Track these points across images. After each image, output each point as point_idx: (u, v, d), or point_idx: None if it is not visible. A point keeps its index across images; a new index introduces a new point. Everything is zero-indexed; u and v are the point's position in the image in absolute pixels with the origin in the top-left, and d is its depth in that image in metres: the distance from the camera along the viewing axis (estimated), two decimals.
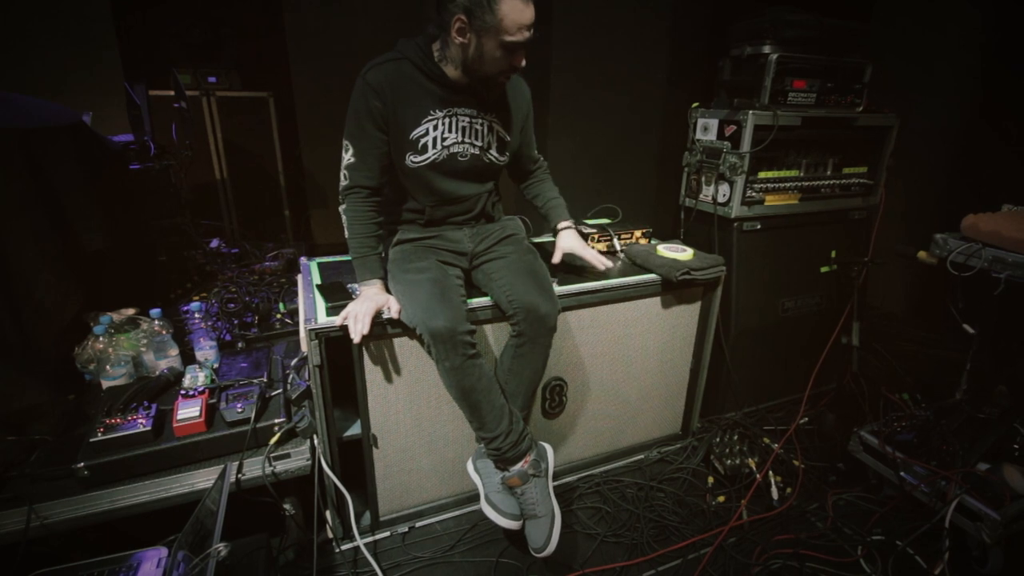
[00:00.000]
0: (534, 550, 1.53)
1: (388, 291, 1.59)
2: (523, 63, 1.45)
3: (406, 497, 1.79)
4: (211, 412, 1.54)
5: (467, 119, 1.56)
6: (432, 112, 1.52)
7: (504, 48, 1.38)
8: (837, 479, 2.06)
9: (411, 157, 1.54)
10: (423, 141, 1.53)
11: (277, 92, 3.60)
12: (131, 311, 1.92)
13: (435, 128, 1.53)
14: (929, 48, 2.81)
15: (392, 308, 1.52)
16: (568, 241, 1.84)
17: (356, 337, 1.45)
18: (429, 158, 1.55)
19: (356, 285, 1.62)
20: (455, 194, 1.64)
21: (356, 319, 1.46)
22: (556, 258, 1.84)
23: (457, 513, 1.86)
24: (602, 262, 1.82)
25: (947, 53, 2.77)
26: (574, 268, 1.91)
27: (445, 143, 1.55)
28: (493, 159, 1.65)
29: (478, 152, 1.61)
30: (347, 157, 1.54)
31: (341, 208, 1.58)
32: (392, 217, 1.69)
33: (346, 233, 1.58)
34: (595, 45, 2.61)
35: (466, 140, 1.58)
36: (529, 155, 1.84)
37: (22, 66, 2.68)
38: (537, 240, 2.30)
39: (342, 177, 1.56)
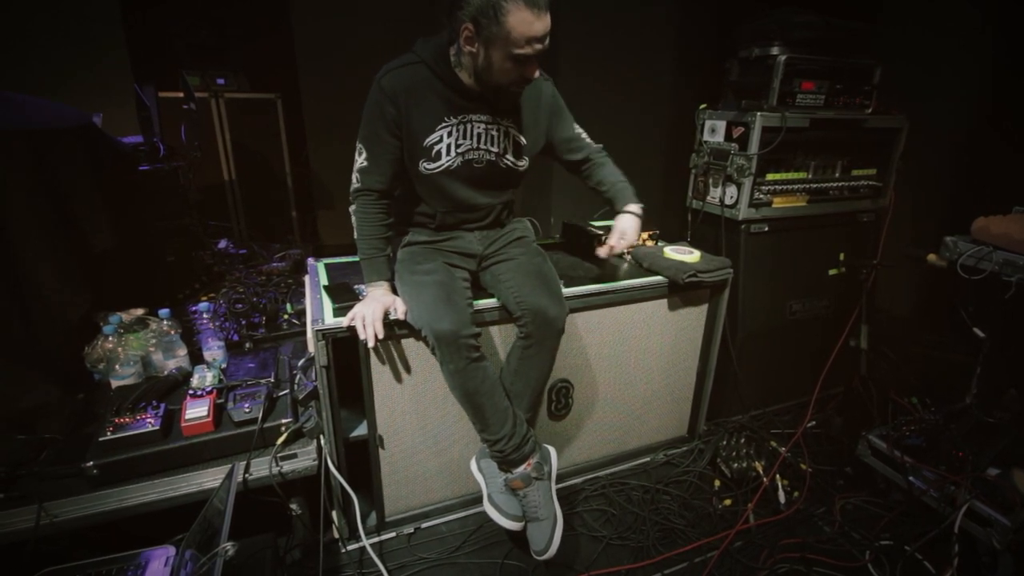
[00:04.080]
0: (535, 552, 1.53)
1: (394, 292, 1.59)
2: (536, 74, 1.41)
3: (412, 498, 1.80)
4: (219, 412, 1.55)
5: (482, 125, 1.54)
6: (446, 119, 1.49)
7: (513, 60, 1.34)
8: (845, 483, 2.04)
9: (424, 164, 1.53)
10: (437, 148, 1.51)
11: (285, 93, 3.62)
12: (140, 311, 1.93)
13: (449, 135, 1.51)
14: (935, 50, 2.79)
15: (398, 309, 1.52)
16: (622, 224, 1.74)
17: (370, 342, 1.46)
18: (443, 165, 1.53)
19: (363, 286, 1.62)
20: (469, 202, 1.63)
21: (366, 323, 1.46)
22: (602, 253, 1.77)
23: (463, 514, 1.86)
24: (608, 247, 1.74)
25: (953, 55, 2.75)
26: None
27: (459, 150, 1.53)
28: (510, 164, 1.62)
29: (494, 158, 1.59)
30: (360, 160, 1.53)
31: (351, 209, 1.58)
32: (403, 219, 1.69)
33: (355, 234, 1.58)
34: (602, 46, 2.61)
35: (481, 146, 1.55)
36: (571, 147, 1.76)
37: (33, 68, 2.71)
38: (545, 242, 2.30)
39: (354, 180, 1.55)
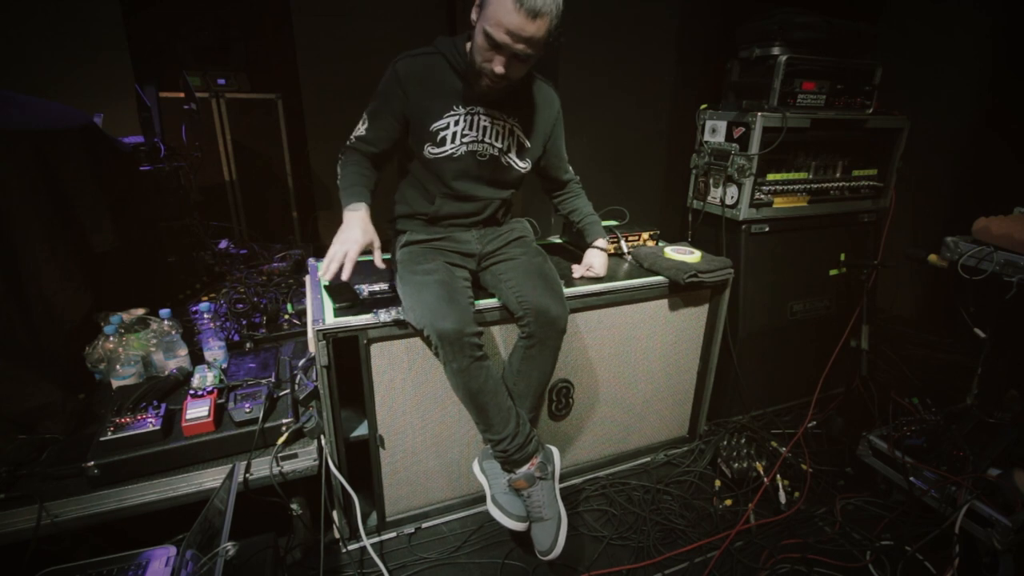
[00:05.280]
0: (540, 553, 1.53)
1: (373, 227, 1.50)
2: (500, 70, 1.38)
3: (412, 498, 1.80)
4: (219, 412, 1.55)
5: (488, 119, 1.58)
6: (454, 108, 1.55)
7: (485, 38, 1.35)
8: (845, 483, 2.04)
9: (430, 148, 1.57)
10: (443, 134, 1.56)
11: (285, 94, 3.63)
12: (141, 311, 1.93)
13: (456, 123, 1.56)
14: (937, 51, 2.80)
15: (376, 255, 1.47)
16: (590, 258, 1.91)
17: (329, 275, 1.39)
18: (447, 151, 1.57)
19: (363, 286, 1.62)
20: (468, 192, 1.65)
21: (335, 259, 1.39)
22: (577, 273, 1.91)
23: (463, 514, 1.86)
24: (579, 270, 1.90)
25: (955, 56, 2.76)
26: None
27: (464, 139, 1.57)
28: (512, 163, 1.66)
29: (497, 153, 1.63)
30: (361, 128, 1.58)
31: (339, 163, 1.60)
32: (400, 213, 1.70)
33: (338, 180, 1.56)
34: (603, 46, 2.61)
35: (486, 139, 1.60)
36: (559, 167, 1.85)
37: (33, 68, 2.71)
38: (544, 242, 2.30)
39: (349, 141, 1.60)
